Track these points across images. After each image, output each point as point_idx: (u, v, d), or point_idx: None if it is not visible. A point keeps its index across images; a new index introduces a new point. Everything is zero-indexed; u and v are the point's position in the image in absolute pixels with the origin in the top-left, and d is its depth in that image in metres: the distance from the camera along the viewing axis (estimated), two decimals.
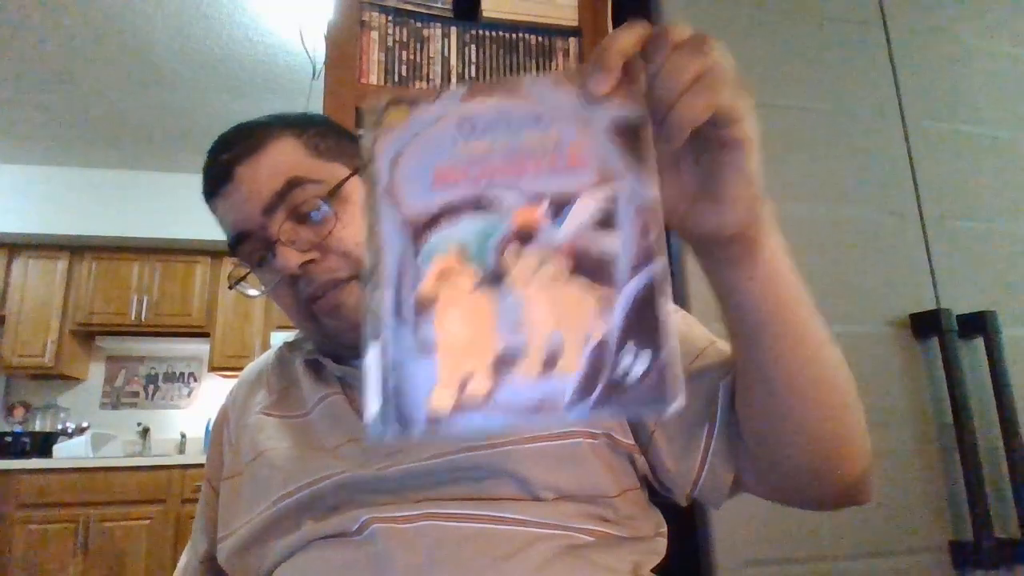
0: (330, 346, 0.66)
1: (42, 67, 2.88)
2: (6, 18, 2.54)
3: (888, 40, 1.20)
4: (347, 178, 0.62)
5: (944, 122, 1.18)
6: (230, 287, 0.67)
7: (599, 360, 0.32)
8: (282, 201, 0.59)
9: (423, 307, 0.34)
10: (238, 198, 0.60)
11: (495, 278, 0.34)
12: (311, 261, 0.58)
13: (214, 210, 0.64)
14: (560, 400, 0.32)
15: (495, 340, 0.33)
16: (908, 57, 1.19)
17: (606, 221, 0.34)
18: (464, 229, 0.35)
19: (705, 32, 0.37)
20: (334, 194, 0.60)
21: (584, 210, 0.34)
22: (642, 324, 0.33)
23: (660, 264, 0.33)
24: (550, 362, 0.33)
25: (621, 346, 0.32)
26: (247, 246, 0.61)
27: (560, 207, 0.34)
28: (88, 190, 3.80)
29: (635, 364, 0.32)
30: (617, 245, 0.34)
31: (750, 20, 1.14)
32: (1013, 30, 1.28)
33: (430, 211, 0.35)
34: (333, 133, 0.66)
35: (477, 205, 0.35)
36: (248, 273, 0.65)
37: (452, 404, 0.32)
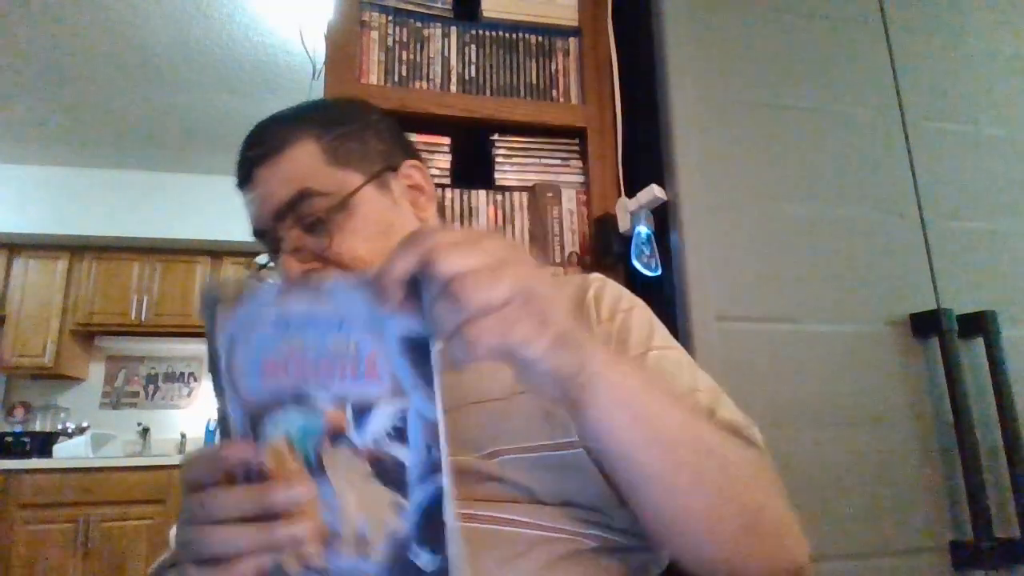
0: None
1: (42, 67, 2.88)
2: (5, 18, 2.54)
3: (888, 40, 1.20)
4: (357, 189, 0.63)
5: (944, 122, 1.18)
6: (250, 277, 0.69)
7: (399, 553, 0.37)
8: (291, 210, 0.61)
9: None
10: (255, 198, 0.63)
11: (314, 470, 0.38)
12: (312, 270, 0.61)
13: (243, 198, 0.67)
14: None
15: (320, 518, 0.38)
16: (908, 57, 1.19)
17: (397, 433, 0.37)
18: (289, 421, 0.39)
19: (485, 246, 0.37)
20: (341, 207, 0.61)
21: (379, 420, 0.38)
22: (431, 529, 0.37)
23: (444, 480, 0.36)
24: (361, 545, 0.38)
25: (416, 545, 0.37)
26: (262, 241, 0.65)
27: (361, 413, 0.38)
28: (88, 190, 3.79)
29: (428, 563, 0.37)
30: (407, 457, 0.37)
31: (750, 20, 1.14)
32: (1013, 30, 1.28)
33: (262, 399, 0.39)
34: (357, 132, 0.66)
35: (297, 400, 0.39)
36: (264, 268, 0.68)
37: (295, 563, 0.38)
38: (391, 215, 0.65)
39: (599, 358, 0.41)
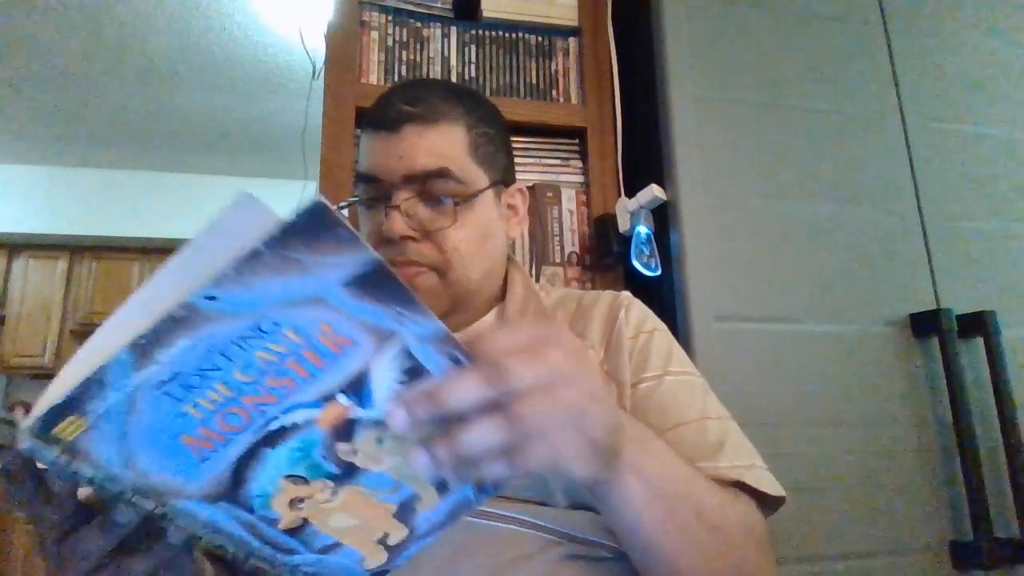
0: None
1: (42, 67, 2.88)
2: (5, 19, 2.54)
3: (888, 40, 1.20)
4: (485, 189, 0.66)
5: (944, 122, 1.18)
6: (339, 208, 0.73)
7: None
8: (424, 180, 0.63)
9: (297, 531, 0.36)
10: (392, 151, 0.64)
11: (347, 475, 0.35)
12: (411, 238, 0.63)
13: (363, 136, 0.68)
14: (467, 504, 0.38)
15: (387, 506, 0.36)
16: (908, 57, 1.19)
17: (413, 371, 0.33)
18: (279, 463, 0.33)
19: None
20: (469, 199, 0.64)
21: (383, 379, 0.32)
22: None
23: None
24: (442, 488, 0.36)
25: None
26: (369, 186, 0.66)
27: (357, 390, 0.32)
28: (88, 190, 3.79)
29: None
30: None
31: (749, 20, 1.14)
32: (1013, 30, 1.28)
33: (223, 477, 0.33)
34: (495, 138, 0.69)
35: (268, 441, 0.33)
36: (354, 203, 0.71)
37: (386, 557, 0.37)
38: (493, 226, 0.69)
39: (631, 452, 0.42)
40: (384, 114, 0.65)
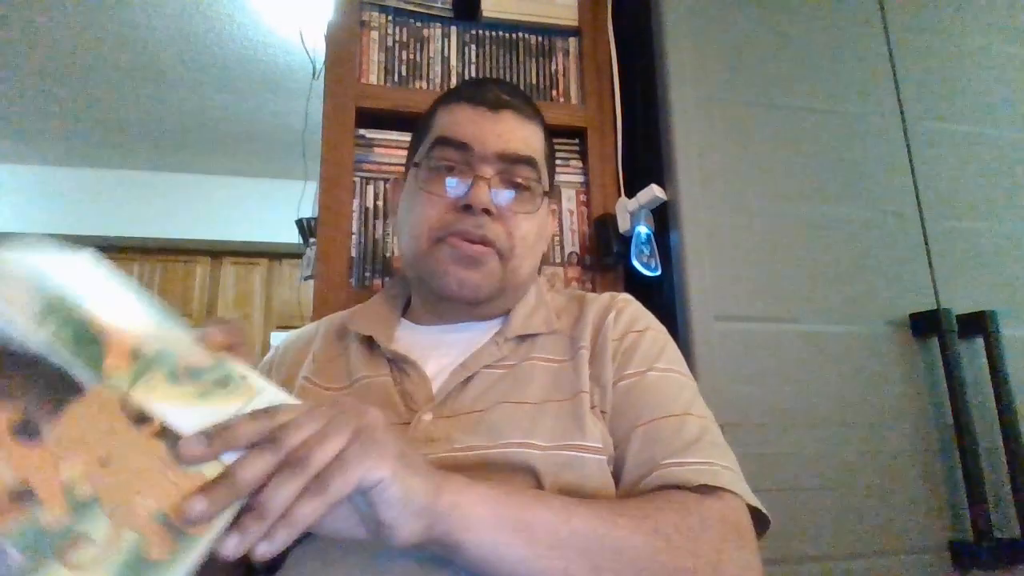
0: (418, 290, 0.72)
1: (42, 67, 2.88)
2: (6, 18, 2.54)
3: (888, 40, 1.20)
4: (547, 194, 0.71)
5: (944, 122, 1.18)
6: (411, 167, 0.72)
7: None
8: (514, 163, 0.67)
9: None
10: (490, 127, 0.67)
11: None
12: (490, 213, 0.64)
13: (445, 109, 0.70)
14: None
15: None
16: (908, 57, 1.19)
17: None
18: None
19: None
20: (544, 194, 0.70)
21: None
22: None
23: None
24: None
25: None
26: (452, 152, 0.67)
27: None
28: (88, 190, 3.79)
29: None
30: None
31: (750, 20, 1.14)
32: (1013, 30, 1.28)
33: None
34: (553, 154, 0.77)
35: None
36: (412, 171, 0.71)
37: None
38: (544, 230, 0.73)
39: (455, 484, 0.43)
40: (484, 94, 0.69)
